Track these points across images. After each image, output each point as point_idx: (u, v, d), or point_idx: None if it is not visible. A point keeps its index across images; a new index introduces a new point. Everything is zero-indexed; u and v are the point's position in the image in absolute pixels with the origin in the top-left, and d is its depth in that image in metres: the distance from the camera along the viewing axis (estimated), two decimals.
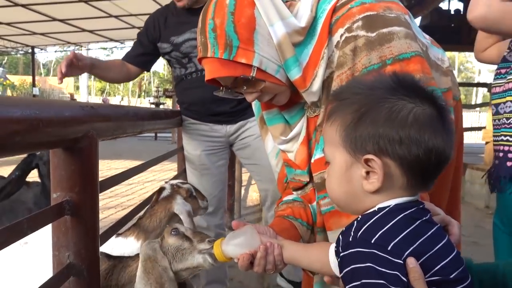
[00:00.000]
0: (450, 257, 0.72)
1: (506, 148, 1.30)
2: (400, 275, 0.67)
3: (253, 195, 5.97)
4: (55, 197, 1.08)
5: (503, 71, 1.37)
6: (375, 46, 1.03)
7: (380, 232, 0.71)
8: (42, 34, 13.08)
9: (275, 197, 2.23)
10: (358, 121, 0.75)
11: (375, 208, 0.76)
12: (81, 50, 17.91)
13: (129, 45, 16.51)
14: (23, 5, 9.38)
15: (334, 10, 1.09)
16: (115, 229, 1.54)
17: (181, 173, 2.68)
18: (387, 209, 0.74)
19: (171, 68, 2.42)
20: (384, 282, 0.67)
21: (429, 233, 0.72)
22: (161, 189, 1.73)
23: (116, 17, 10.54)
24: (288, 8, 1.11)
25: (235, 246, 0.99)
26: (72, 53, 1.92)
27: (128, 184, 6.77)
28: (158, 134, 18.28)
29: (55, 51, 37.58)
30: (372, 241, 0.70)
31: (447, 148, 0.75)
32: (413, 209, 0.74)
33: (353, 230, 0.75)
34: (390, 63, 1.02)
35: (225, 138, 2.31)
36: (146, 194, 5.50)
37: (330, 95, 1.04)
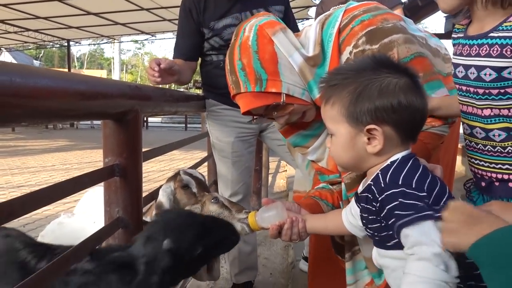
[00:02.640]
0: (447, 192, 0.93)
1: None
2: (426, 205, 0.85)
3: (280, 182, 6.13)
4: (106, 161, 1.28)
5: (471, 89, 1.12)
6: None
7: (402, 176, 0.90)
8: (77, 27, 13.56)
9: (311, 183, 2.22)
10: (356, 100, 0.93)
11: (388, 162, 0.95)
12: (113, 43, 18.37)
13: (160, 37, 16.86)
14: (59, 0, 9.79)
15: (339, 32, 1.25)
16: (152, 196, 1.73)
17: (210, 156, 2.78)
18: (397, 161, 0.94)
19: (201, 56, 2.27)
20: (413, 211, 0.84)
21: (430, 175, 0.93)
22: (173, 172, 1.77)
23: (147, 10, 10.84)
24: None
25: (266, 218, 1.19)
26: (164, 62, 1.82)
27: (160, 170, 7.09)
28: (188, 125, 18.69)
29: (89, 44, 38.63)
30: (400, 183, 0.89)
31: (425, 107, 0.95)
32: (413, 159, 0.95)
33: (381, 179, 0.93)
34: None
35: (259, 125, 2.25)
36: None
37: (318, 81, 1.17)
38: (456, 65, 1.14)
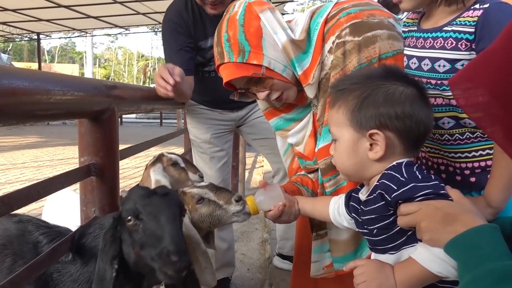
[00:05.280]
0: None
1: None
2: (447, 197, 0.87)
3: (256, 178, 6.16)
4: (82, 161, 1.27)
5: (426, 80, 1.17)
6: (361, 48, 1.21)
7: (417, 173, 0.90)
8: (48, 20, 13.19)
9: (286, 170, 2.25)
10: (361, 104, 0.94)
11: (394, 163, 0.94)
12: (85, 36, 17.98)
13: (134, 31, 16.57)
14: None
15: (326, 21, 1.27)
16: None
17: (187, 152, 2.83)
18: (404, 163, 0.94)
19: None
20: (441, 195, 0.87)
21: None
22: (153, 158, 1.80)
23: (120, 3, 10.63)
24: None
25: (268, 200, 1.23)
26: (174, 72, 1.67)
27: (135, 167, 7.00)
28: (164, 120, 18.52)
29: (60, 38, 37.73)
30: (420, 177, 0.89)
31: (430, 120, 0.96)
32: (418, 164, 0.95)
33: (398, 176, 0.91)
34: (375, 61, 1.21)
35: (235, 122, 2.34)
36: None
37: (329, 87, 1.23)
38: (409, 57, 1.18)
